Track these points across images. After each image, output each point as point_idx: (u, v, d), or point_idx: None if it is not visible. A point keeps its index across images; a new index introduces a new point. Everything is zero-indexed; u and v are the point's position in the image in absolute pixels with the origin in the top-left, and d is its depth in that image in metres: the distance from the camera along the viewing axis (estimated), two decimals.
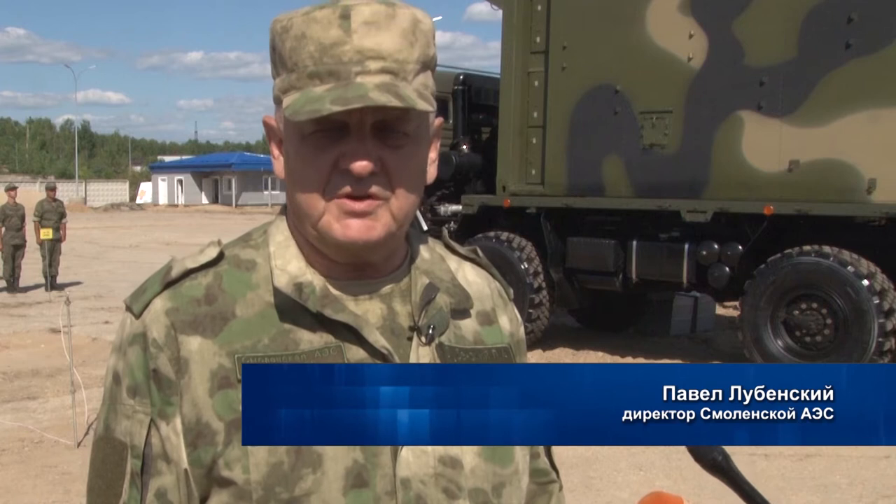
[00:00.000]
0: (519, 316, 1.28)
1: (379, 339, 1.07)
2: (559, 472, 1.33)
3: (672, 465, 6.15)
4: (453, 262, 1.22)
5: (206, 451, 1.03)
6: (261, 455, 1.02)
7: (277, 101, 1.08)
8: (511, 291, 1.30)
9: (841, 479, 5.95)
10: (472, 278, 1.22)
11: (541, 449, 1.28)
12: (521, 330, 1.27)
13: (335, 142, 1.03)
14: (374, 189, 1.04)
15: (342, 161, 1.03)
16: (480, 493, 1.09)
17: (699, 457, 1.21)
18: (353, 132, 1.03)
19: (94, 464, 1.10)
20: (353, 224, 1.04)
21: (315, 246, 1.10)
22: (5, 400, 7.93)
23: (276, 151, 1.12)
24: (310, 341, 1.07)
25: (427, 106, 1.03)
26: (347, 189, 1.04)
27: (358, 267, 1.11)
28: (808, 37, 8.41)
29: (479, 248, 1.28)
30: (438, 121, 1.15)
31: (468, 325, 1.17)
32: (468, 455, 1.09)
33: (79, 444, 6.42)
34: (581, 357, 10.16)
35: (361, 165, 1.02)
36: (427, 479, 1.06)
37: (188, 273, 1.09)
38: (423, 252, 1.18)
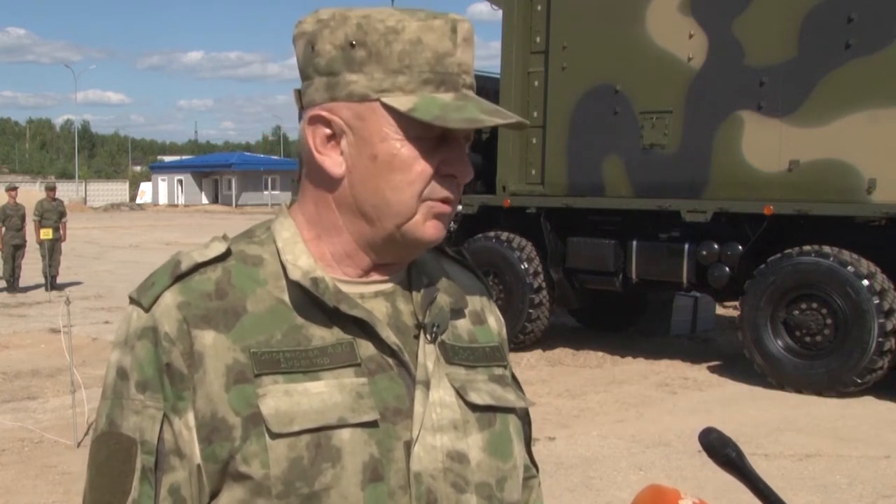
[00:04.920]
0: (501, 316, 1.32)
1: (390, 336, 1.09)
2: (538, 468, 1.37)
3: (672, 464, 6.15)
4: (445, 263, 1.25)
5: (222, 447, 1.03)
6: (280, 450, 1.02)
7: (358, 98, 1.07)
8: (493, 293, 1.34)
9: (841, 479, 5.95)
10: (462, 279, 1.25)
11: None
12: (504, 330, 1.31)
13: (436, 148, 1.09)
14: (457, 194, 1.13)
15: (445, 167, 1.09)
16: (486, 487, 1.11)
17: (712, 453, 1.20)
18: (452, 141, 1.10)
19: (97, 461, 1.08)
20: (435, 224, 1.11)
21: (369, 244, 1.12)
22: (5, 400, 7.93)
23: (323, 147, 1.10)
24: (322, 337, 1.08)
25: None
26: (446, 194, 1.10)
27: (377, 267, 1.14)
28: (808, 37, 8.41)
29: (463, 250, 1.32)
30: None
31: (463, 325, 1.20)
32: (474, 450, 1.11)
33: (79, 444, 6.42)
34: (581, 357, 10.17)
35: (467, 174, 1.11)
36: (437, 474, 1.07)
37: (197, 267, 1.09)
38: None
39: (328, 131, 1.09)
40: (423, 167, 1.07)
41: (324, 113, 1.09)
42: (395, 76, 1.06)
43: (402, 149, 1.07)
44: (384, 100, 1.06)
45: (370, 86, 1.06)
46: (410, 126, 1.06)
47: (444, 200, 1.10)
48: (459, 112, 1.05)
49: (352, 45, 1.07)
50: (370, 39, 1.06)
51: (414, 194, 1.08)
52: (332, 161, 1.10)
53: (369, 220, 1.10)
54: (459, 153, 1.10)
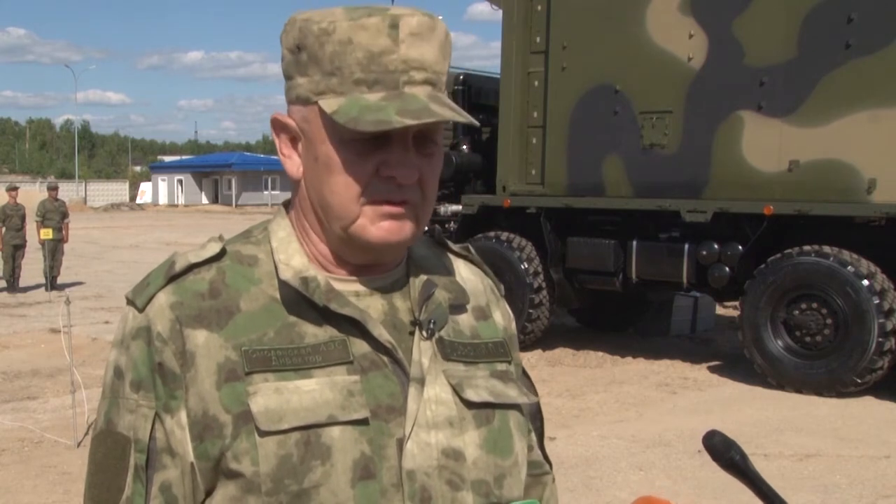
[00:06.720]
0: (510, 311, 1.30)
1: (383, 333, 1.09)
2: (552, 465, 1.36)
3: (672, 464, 6.15)
4: (447, 259, 1.24)
5: (214, 444, 1.03)
6: (270, 447, 1.02)
7: (303, 101, 1.08)
8: (502, 287, 1.32)
9: (841, 479, 5.95)
10: (466, 275, 1.25)
11: (534, 442, 1.31)
12: (513, 325, 1.29)
13: (376, 148, 1.05)
14: (410, 196, 1.07)
15: (385, 169, 1.05)
16: (483, 485, 1.11)
17: (716, 456, 1.20)
18: (395, 141, 1.05)
19: (95, 458, 1.10)
20: (386, 226, 1.07)
21: (330, 245, 1.12)
22: (5, 400, 7.93)
23: (286, 150, 1.12)
24: (314, 335, 1.08)
25: (472, 119, 1.08)
26: (387, 196, 1.06)
27: (365, 266, 1.13)
28: (808, 37, 8.41)
29: (469, 245, 1.30)
30: None
31: (465, 320, 1.19)
32: (470, 447, 1.10)
33: (79, 444, 6.42)
34: (581, 357, 10.17)
35: (409, 176, 1.05)
36: (431, 472, 1.07)
37: (191, 267, 1.10)
38: (420, 249, 1.20)
39: (289, 134, 1.11)
40: (357, 171, 1.05)
41: (280, 117, 1.12)
42: (329, 78, 1.05)
43: (339, 151, 1.06)
44: (320, 102, 1.06)
45: (310, 88, 1.07)
46: (343, 128, 1.04)
47: (388, 202, 1.06)
48: (375, 113, 1.01)
49: (298, 49, 1.08)
50: (308, 42, 1.07)
51: (352, 197, 1.06)
52: (292, 163, 1.12)
53: (321, 222, 1.11)
54: (400, 155, 1.05)
